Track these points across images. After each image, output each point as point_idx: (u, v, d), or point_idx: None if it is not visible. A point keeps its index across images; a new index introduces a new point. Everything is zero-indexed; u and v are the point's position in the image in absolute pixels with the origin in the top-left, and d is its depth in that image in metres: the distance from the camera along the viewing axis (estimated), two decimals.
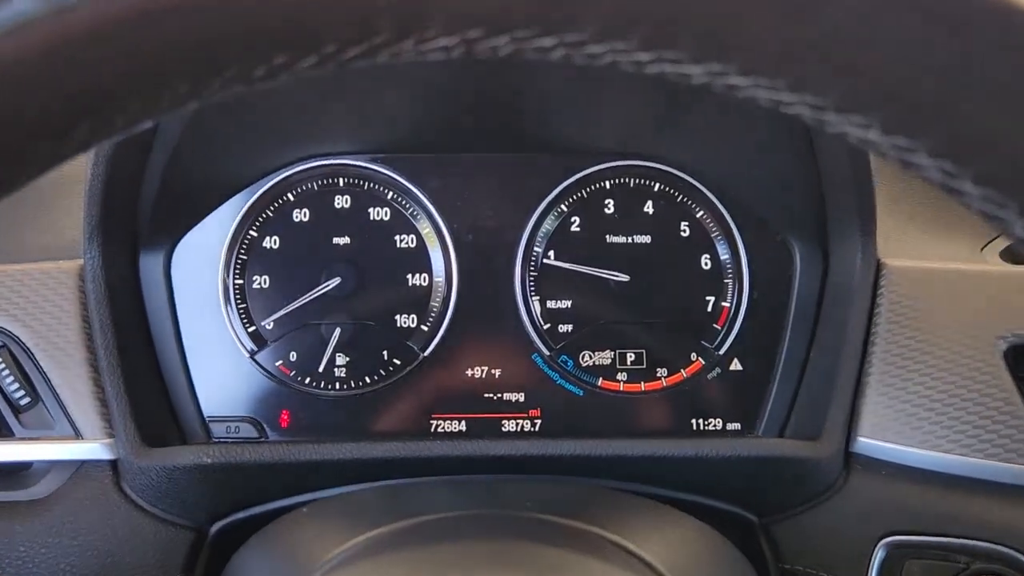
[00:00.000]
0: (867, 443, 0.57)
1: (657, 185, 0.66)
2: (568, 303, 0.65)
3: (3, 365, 0.57)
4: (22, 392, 0.57)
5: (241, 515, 0.57)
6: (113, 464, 0.57)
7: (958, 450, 0.55)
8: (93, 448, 0.57)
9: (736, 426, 0.64)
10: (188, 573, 0.55)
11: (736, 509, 0.59)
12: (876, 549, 0.54)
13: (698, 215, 0.65)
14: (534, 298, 0.65)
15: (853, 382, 0.58)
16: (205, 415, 0.62)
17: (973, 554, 0.53)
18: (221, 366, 0.63)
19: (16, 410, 0.57)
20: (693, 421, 0.64)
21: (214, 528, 0.57)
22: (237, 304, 0.64)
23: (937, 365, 0.56)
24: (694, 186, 0.65)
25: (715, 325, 0.65)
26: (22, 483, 0.57)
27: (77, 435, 0.57)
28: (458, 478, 0.55)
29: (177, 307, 0.63)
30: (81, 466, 0.57)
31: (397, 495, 0.50)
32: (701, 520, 0.52)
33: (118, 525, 0.56)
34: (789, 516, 0.58)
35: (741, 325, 0.64)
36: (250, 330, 0.64)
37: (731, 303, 0.65)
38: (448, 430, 0.63)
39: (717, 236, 0.65)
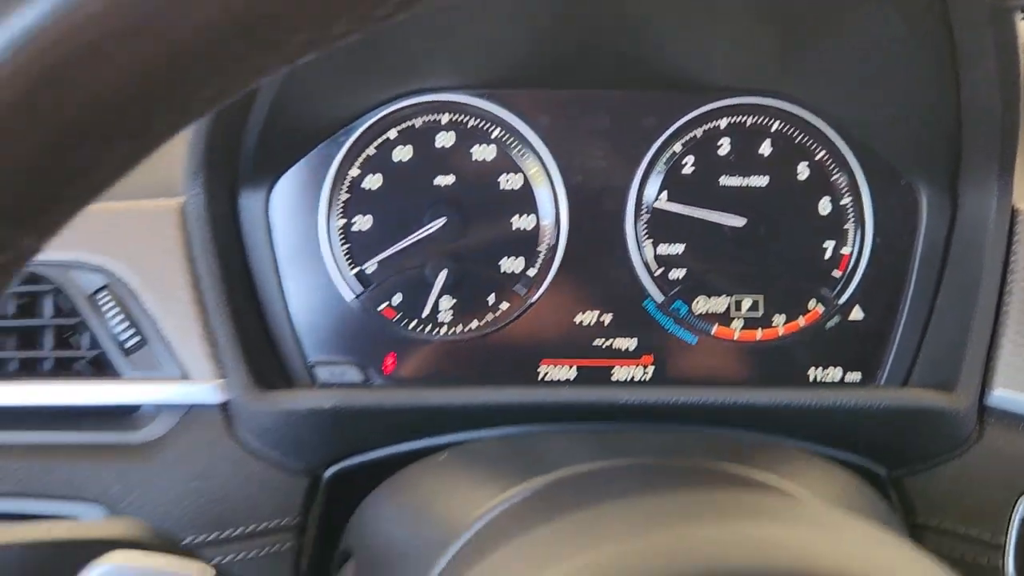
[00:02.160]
0: (1003, 396, 0.55)
1: (776, 124, 0.63)
2: (681, 248, 0.62)
3: (110, 304, 0.56)
4: (129, 332, 0.56)
5: (355, 460, 0.55)
6: (223, 407, 0.56)
7: None
8: (203, 390, 0.56)
9: (856, 376, 0.62)
10: (303, 518, 0.54)
11: (863, 461, 0.57)
12: (1019, 504, 0.52)
13: (818, 156, 0.62)
14: (646, 242, 0.62)
15: (988, 333, 0.55)
16: (308, 359, 0.61)
17: None
18: (323, 309, 0.61)
19: (124, 351, 0.56)
20: (811, 370, 0.62)
21: (327, 473, 0.55)
22: (339, 245, 0.62)
23: None
24: (815, 125, 0.62)
25: (835, 272, 0.62)
26: (132, 425, 0.56)
27: (185, 376, 0.55)
28: (590, 427, 0.53)
29: (276, 248, 0.61)
30: (190, 409, 0.56)
31: (541, 443, 0.48)
32: None
33: (231, 470, 0.55)
34: (920, 470, 0.56)
35: (863, 273, 0.62)
36: (353, 272, 0.62)
37: (852, 249, 0.62)
38: (557, 377, 0.62)
39: (838, 179, 0.62)
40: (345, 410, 0.53)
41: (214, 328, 0.56)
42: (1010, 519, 0.52)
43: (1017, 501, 0.52)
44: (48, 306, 0.58)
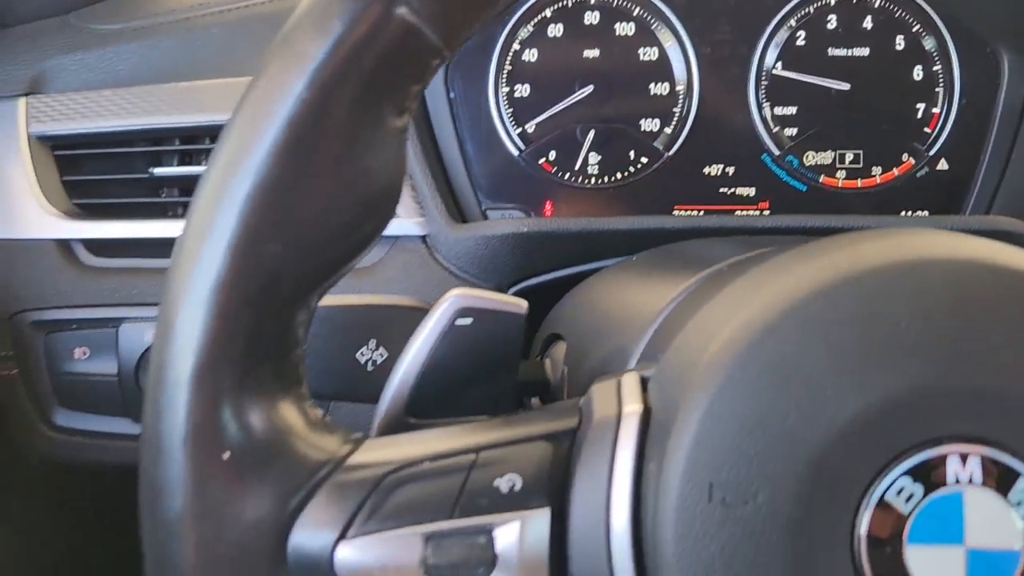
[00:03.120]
0: None
1: (877, 1, 0.73)
2: (794, 109, 0.73)
3: None
4: None
5: (533, 281, 0.68)
6: (423, 239, 0.69)
7: None
8: (407, 224, 0.68)
9: None
10: None
11: None
12: None
13: (914, 28, 0.73)
14: (764, 104, 0.73)
15: None
16: (482, 205, 0.73)
17: None
18: (494, 163, 0.73)
19: None
20: (902, 213, 0.73)
21: (511, 291, 0.68)
22: (505, 109, 0.73)
23: None
24: (912, 1, 0.72)
25: (925, 129, 0.73)
26: None
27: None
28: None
29: (456, 113, 0.72)
30: (397, 240, 0.69)
31: (722, 245, 0.59)
32: None
33: (433, 287, 0.68)
34: None
35: (949, 129, 0.73)
36: (517, 132, 0.73)
37: (941, 110, 0.73)
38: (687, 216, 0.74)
39: (931, 49, 0.72)
40: (523, 235, 0.66)
41: (414, 175, 0.68)
42: None
43: None
44: None
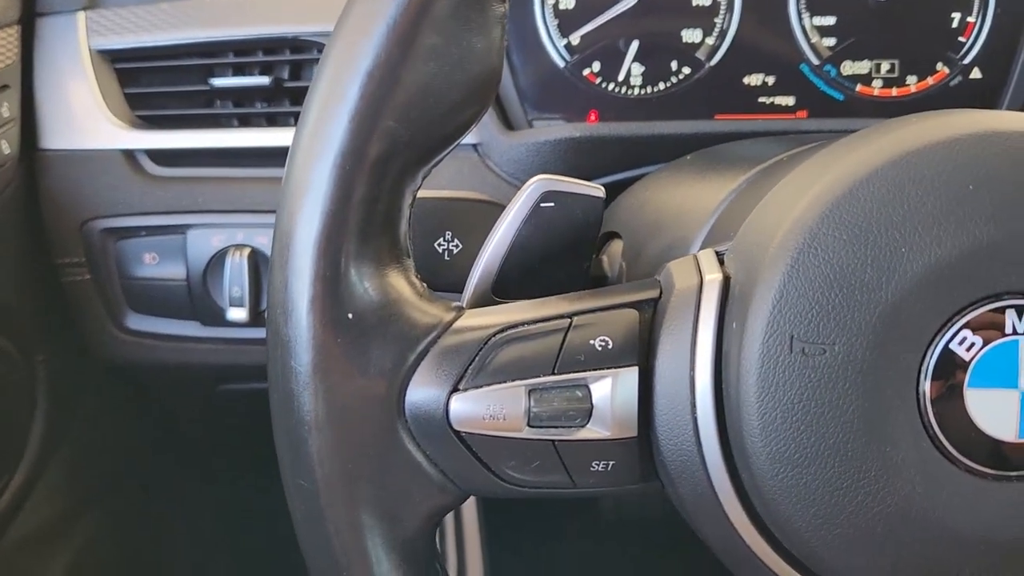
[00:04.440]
0: None
1: None
2: (833, 20, 0.75)
3: None
4: None
5: None
6: (475, 147, 0.71)
7: None
8: None
9: None
10: None
11: None
12: None
13: None
14: (804, 14, 0.75)
15: None
16: (528, 116, 0.76)
17: None
18: (540, 74, 0.76)
19: None
20: None
21: None
22: (551, 20, 0.75)
23: None
24: None
25: (960, 38, 0.75)
26: None
27: None
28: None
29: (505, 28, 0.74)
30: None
31: (769, 143, 0.62)
32: None
33: (487, 189, 0.71)
34: None
35: (984, 39, 0.75)
36: (563, 43, 0.76)
37: (976, 19, 0.75)
38: None
39: None
40: (570, 140, 0.69)
41: None
42: None
43: None
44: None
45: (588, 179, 0.71)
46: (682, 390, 0.37)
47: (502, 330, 0.38)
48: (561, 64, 0.76)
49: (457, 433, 0.37)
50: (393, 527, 0.37)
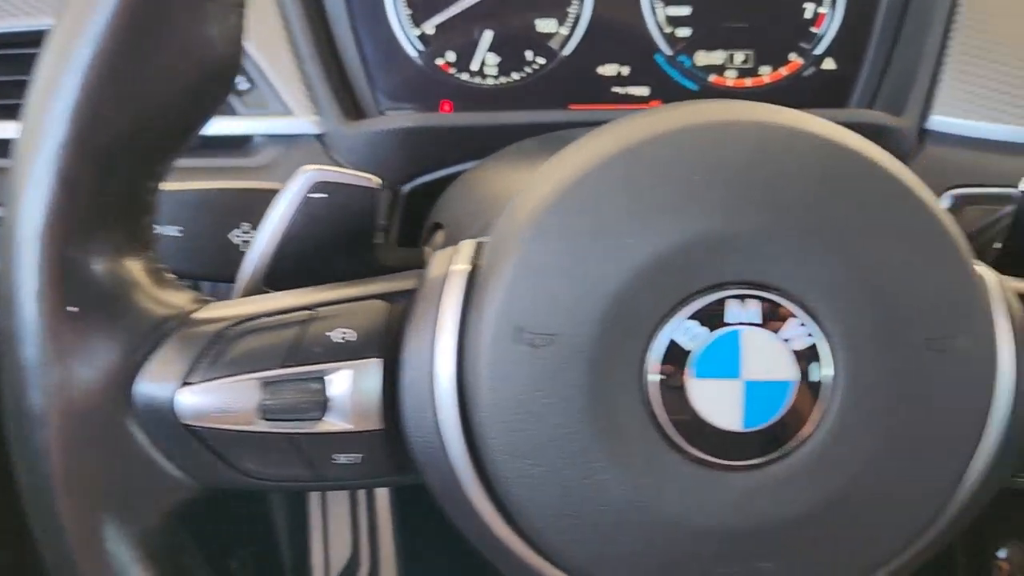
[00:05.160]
0: (940, 120, 0.70)
1: None
2: (688, 10, 0.75)
3: None
4: (241, 77, 0.69)
5: (426, 177, 0.70)
6: (319, 137, 0.70)
7: (1019, 121, 0.67)
8: (303, 123, 0.70)
9: None
10: (387, 221, 0.69)
11: None
12: (942, 199, 0.68)
13: None
14: (658, 5, 0.75)
15: (931, 71, 0.70)
16: (380, 105, 0.75)
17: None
18: (392, 63, 0.74)
19: (237, 93, 0.70)
20: None
21: (405, 189, 0.70)
22: (403, 9, 0.74)
23: (1011, 54, 0.68)
24: None
25: (812, 29, 0.75)
26: (248, 153, 0.71)
27: (288, 112, 0.69)
28: None
29: (354, 12, 0.73)
30: (292, 140, 0.70)
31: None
32: None
33: None
34: None
35: (836, 29, 0.75)
36: (416, 33, 0.74)
37: (828, 10, 0.75)
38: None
39: None
40: (419, 129, 0.68)
41: (309, 74, 0.69)
42: None
43: (940, 195, 0.68)
44: None
45: (439, 168, 0.71)
46: (425, 384, 0.36)
47: (239, 322, 0.37)
48: (414, 54, 0.75)
49: (188, 427, 0.36)
50: (129, 522, 0.36)
